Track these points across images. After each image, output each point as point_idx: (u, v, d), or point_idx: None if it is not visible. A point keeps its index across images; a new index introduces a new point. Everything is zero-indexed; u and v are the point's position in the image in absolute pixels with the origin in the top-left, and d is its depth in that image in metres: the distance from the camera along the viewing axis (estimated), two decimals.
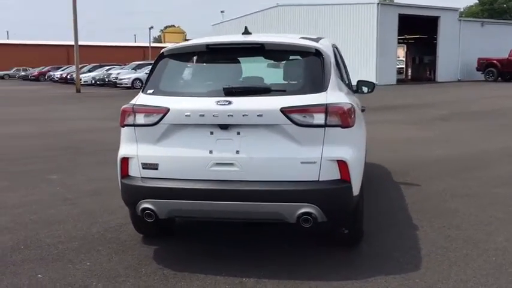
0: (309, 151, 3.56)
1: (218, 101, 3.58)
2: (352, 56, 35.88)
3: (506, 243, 4.27)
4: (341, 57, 5.34)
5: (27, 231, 4.75)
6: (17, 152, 9.46)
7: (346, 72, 5.50)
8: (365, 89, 5.64)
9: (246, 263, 3.93)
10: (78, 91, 30.48)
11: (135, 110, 3.78)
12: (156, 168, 3.73)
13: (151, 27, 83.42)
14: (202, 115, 3.59)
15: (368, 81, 5.72)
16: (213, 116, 3.57)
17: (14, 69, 66.49)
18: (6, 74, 65.03)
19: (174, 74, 4.00)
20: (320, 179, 3.57)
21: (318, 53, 3.87)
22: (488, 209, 5.24)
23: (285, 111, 3.52)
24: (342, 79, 4.52)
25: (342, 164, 3.60)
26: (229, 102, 3.57)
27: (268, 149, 3.59)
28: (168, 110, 3.66)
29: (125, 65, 41.84)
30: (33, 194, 6.15)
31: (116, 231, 4.70)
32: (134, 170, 3.81)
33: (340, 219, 3.88)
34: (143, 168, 3.77)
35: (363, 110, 5.58)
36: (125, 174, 3.87)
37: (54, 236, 4.59)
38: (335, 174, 3.61)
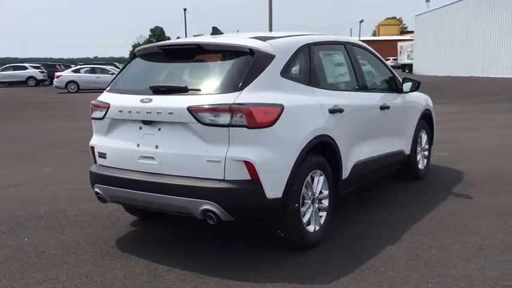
0: (214, 150, 3.62)
1: (142, 99, 3.87)
2: None
3: (471, 272, 3.62)
4: (351, 58, 5.00)
5: (66, 204, 5.66)
6: None
7: (361, 70, 5.12)
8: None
9: (198, 256, 4.09)
10: None
11: (94, 105, 4.30)
12: (105, 158, 4.20)
13: (361, 21, 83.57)
14: (130, 111, 3.93)
15: (413, 79, 5.87)
16: (137, 112, 3.89)
17: None
18: None
19: (130, 73, 4.39)
20: (226, 178, 3.60)
21: (251, 53, 3.83)
22: (510, 234, 4.40)
23: (192, 110, 3.63)
24: (315, 80, 4.33)
25: (250, 165, 3.57)
26: (150, 100, 3.83)
27: (181, 146, 3.74)
28: (109, 105, 4.09)
29: None
30: None
31: (124, 211, 5.28)
32: (96, 157, 4.34)
33: (256, 220, 3.81)
34: (99, 156, 4.28)
35: (384, 108, 5.21)
36: (94, 161, 4.43)
37: (78, 210, 5.39)
38: (243, 175, 3.60)
